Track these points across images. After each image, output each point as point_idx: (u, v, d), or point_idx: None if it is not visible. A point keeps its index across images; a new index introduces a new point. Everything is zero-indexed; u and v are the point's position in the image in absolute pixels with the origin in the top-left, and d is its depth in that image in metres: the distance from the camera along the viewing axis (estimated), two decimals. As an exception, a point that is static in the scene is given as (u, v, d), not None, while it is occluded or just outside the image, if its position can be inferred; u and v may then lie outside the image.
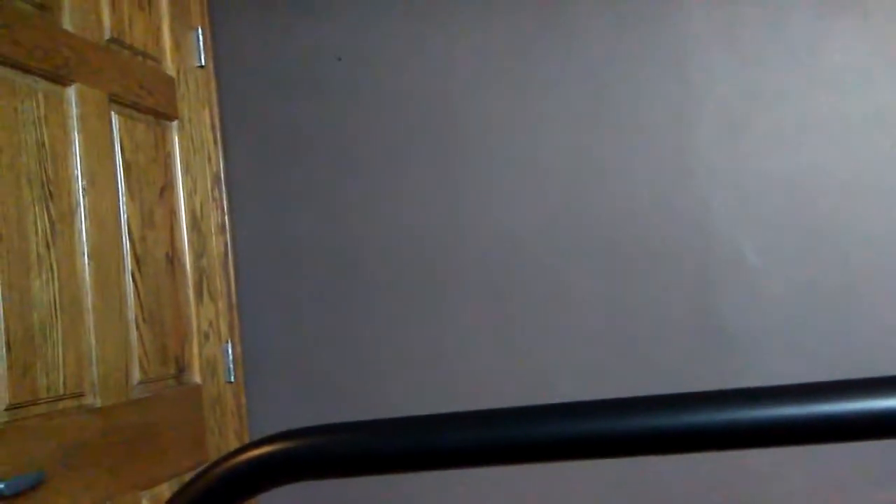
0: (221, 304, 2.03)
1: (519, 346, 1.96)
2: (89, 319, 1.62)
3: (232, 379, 2.03)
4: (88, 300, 1.62)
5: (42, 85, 1.57)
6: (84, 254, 1.63)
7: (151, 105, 1.91)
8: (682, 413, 0.52)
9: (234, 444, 2.02)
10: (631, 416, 0.53)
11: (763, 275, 1.84)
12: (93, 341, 1.62)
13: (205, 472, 0.58)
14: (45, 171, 1.55)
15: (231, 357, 2.03)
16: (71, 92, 1.64)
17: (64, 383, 1.53)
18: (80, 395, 1.58)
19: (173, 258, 1.95)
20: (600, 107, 1.95)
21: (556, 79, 1.97)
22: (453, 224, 2.01)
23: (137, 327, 1.77)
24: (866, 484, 1.76)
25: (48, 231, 1.54)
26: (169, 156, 1.99)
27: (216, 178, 2.08)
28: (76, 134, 1.64)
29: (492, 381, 1.97)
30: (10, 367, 1.41)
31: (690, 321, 1.87)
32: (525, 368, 1.95)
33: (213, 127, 2.10)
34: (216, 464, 0.58)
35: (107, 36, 1.79)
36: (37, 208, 1.52)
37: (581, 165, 1.95)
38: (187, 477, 1.85)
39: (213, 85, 2.13)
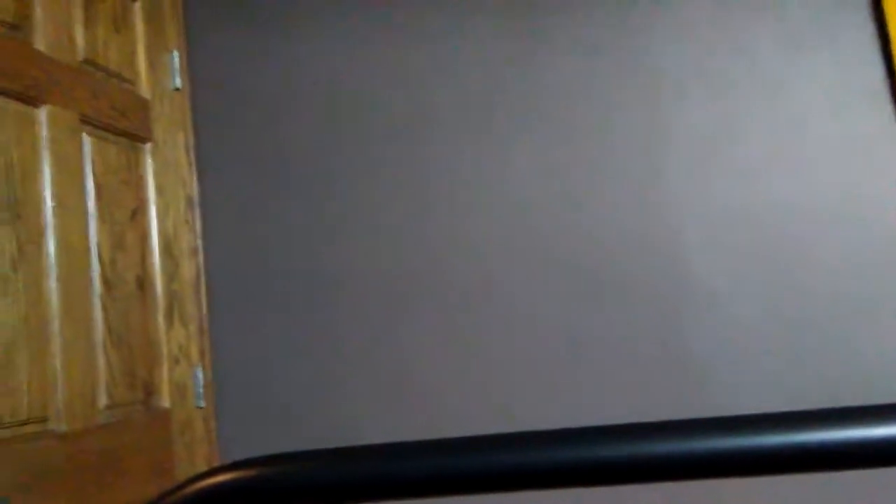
0: (192, 328, 2.01)
1: (484, 371, 1.95)
2: (56, 343, 1.59)
3: (202, 404, 2.00)
4: (55, 323, 1.60)
5: (12, 105, 1.56)
6: (52, 276, 1.60)
7: (125, 127, 1.90)
8: (650, 442, 0.52)
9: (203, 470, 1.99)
10: (596, 445, 0.53)
11: (730, 305, 1.85)
12: (58, 365, 1.59)
13: (157, 500, 0.57)
14: (14, 192, 1.53)
15: (201, 382, 2.01)
16: (41, 113, 1.63)
17: (28, 407, 1.51)
18: (45, 419, 1.55)
19: (144, 281, 1.93)
20: (571, 133, 1.96)
21: (527, 105, 1.99)
22: (424, 249, 2.01)
23: (105, 351, 1.75)
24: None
25: (15, 253, 1.52)
26: (142, 178, 1.98)
27: (189, 201, 2.07)
28: (46, 155, 1.63)
29: (456, 405, 1.96)
30: (-29, 392, 1.38)
31: (657, 349, 1.87)
32: (489, 393, 1.94)
33: (187, 149, 2.09)
34: (168, 493, 0.57)
35: (80, 57, 1.79)
36: (4, 230, 1.50)
37: (550, 190, 1.96)
38: (154, 504, 1.81)
39: (188, 107, 2.12)
